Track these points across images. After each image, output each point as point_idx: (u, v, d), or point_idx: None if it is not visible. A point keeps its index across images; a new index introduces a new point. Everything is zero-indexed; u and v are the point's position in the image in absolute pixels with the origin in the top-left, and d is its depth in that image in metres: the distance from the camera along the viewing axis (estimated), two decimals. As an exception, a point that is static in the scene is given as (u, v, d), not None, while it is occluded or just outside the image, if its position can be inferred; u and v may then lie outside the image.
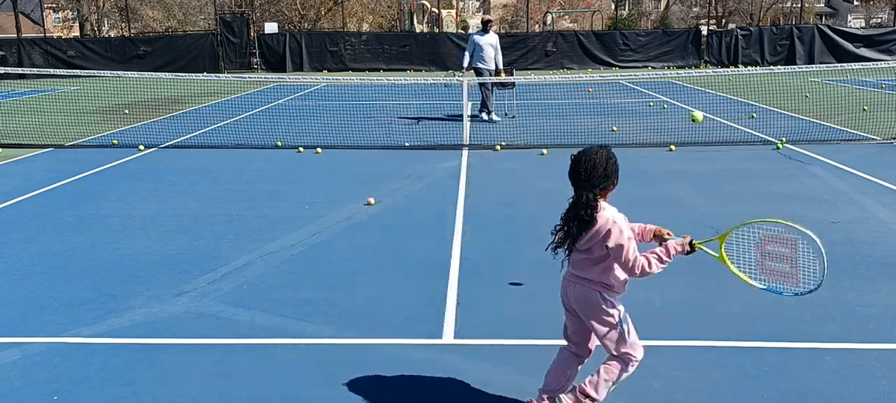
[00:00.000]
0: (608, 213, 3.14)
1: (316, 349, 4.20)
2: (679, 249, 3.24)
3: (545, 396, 3.42)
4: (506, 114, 14.75)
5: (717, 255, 3.37)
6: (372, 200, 7.62)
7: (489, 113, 14.22)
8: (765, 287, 3.25)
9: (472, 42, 14.11)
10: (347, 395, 3.67)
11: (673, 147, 10.75)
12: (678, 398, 3.60)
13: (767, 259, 3.24)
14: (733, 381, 3.74)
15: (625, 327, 3.23)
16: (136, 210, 7.52)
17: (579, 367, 3.44)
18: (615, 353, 3.26)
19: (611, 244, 3.09)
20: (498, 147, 11.01)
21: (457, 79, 13.03)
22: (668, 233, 3.37)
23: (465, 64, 14.09)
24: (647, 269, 3.13)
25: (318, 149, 10.96)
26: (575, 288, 3.24)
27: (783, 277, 3.20)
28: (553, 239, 3.24)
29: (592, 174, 3.14)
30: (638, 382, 3.73)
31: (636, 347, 3.27)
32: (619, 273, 3.20)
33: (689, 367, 3.91)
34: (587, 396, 3.28)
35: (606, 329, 3.22)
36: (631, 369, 3.28)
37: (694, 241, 3.26)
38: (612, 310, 3.20)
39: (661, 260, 3.18)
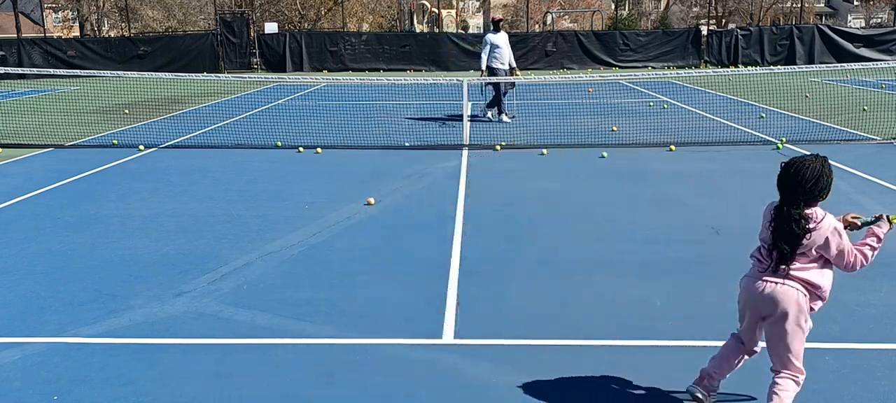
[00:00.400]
0: (827, 222, 3.01)
1: (316, 349, 4.20)
2: (884, 231, 3.18)
3: (704, 377, 3.43)
4: (506, 115, 14.73)
5: None
6: (372, 200, 7.62)
7: (500, 113, 14.17)
8: None
9: (486, 42, 13.98)
10: (347, 395, 3.67)
11: (673, 147, 10.75)
12: (678, 398, 3.60)
13: None
14: (734, 381, 3.74)
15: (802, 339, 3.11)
16: (136, 210, 7.52)
17: (745, 360, 3.42)
18: (783, 368, 3.12)
19: (833, 251, 3.01)
20: (498, 147, 11.01)
21: (484, 80, 13.15)
22: (854, 217, 3.29)
23: (484, 65, 13.95)
24: (866, 263, 3.09)
25: (318, 149, 10.96)
26: (774, 286, 3.07)
27: None
28: (769, 264, 3.08)
29: (800, 187, 2.99)
30: (638, 382, 3.73)
31: (801, 362, 3.14)
32: (829, 278, 3.09)
33: (689, 367, 3.90)
34: None
35: (792, 335, 3.07)
36: (800, 385, 3.14)
37: (890, 216, 3.23)
38: (806, 319, 3.09)
39: (873, 248, 3.12)
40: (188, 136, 12.78)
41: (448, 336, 4.33)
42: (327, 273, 5.51)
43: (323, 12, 45.74)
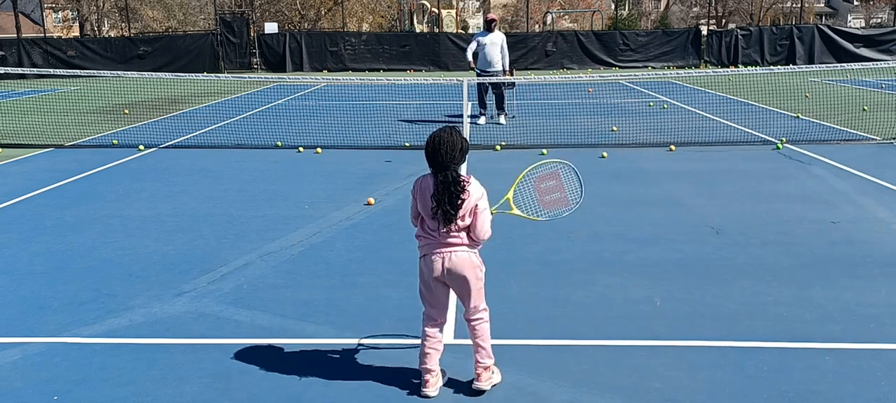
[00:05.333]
0: None
1: (316, 349, 4.20)
2: None
3: None
4: (506, 114, 14.67)
5: (509, 211, 4.07)
6: (372, 200, 7.62)
7: (482, 115, 13.90)
8: (548, 217, 4.07)
9: (474, 41, 13.60)
10: (347, 395, 3.67)
11: (673, 147, 10.75)
12: (678, 398, 3.60)
13: (545, 194, 4.06)
14: (733, 381, 3.74)
15: None
16: (136, 210, 7.52)
17: None
18: None
19: None
20: (498, 147, 11.00)
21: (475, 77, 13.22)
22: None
23: (470, 59, 13.62)
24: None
25: (318, 149, 10.97)
26: None
27: (558, 203, 4.04)
28: None
29: None
30: (638, 382, 3.73)
31: None
32: None
33: (689, 367, 3.91)
34: None
35: None
36: None
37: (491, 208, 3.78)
38: None
39: None
40: (188, 136, 12.78)
41: (448, 337, 4.32)
42: (327, 273, 5.51)
43: (323, 12, 45.73)
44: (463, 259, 3.56)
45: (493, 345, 4.22)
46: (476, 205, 3.54)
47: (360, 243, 6.25)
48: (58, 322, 4.61)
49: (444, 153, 3.47)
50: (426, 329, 3.67)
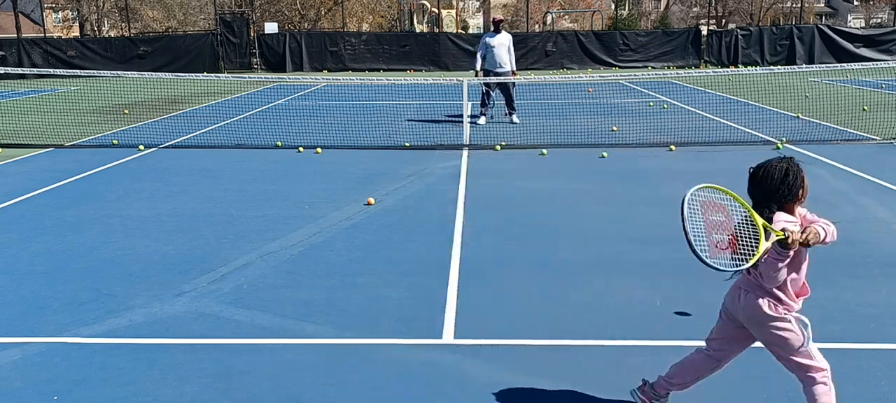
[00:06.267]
0: None
1: (316, 349, 4.20)
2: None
3: None
4: (506, 115, 14.64)
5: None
6: (372, 200, 7.62)
7: (482, 115, 13.90)
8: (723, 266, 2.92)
9: (483, 44, 13.72)
10: (347, 395, 3.67)
11: (673, 147, 10.75)
12: (678, 398, 3.60)
13: (714, 231, 2.97)
14: (733, 381, 3.74)
15: None
16: (136, 210, 7.52)
17: None
18: None
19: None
20: (498, 147, 11.00)
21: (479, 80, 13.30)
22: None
23: (478, 65, 13.70)
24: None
25: (318, 149, 10.96)
26: None
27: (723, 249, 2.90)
28: None
29: None
30: (638, 382, 3.73)
31: None
32: None
33: (689, 367, 3.90)
34: None
35: None
36: None
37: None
38: None
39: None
40: (188, 136, 12.78)
41: (448, 337, 4.33)
42: (327, 273, 5.51)
43: (323, 12, 45.73)
44: (752, 302, 3.03)
45: (492, 345, 4.23)
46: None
47: (360, 243, 6.25)
48: (58, 322, 4.61)
49: (756, 184, 3.02)
50: (697, 352, 3.31)
